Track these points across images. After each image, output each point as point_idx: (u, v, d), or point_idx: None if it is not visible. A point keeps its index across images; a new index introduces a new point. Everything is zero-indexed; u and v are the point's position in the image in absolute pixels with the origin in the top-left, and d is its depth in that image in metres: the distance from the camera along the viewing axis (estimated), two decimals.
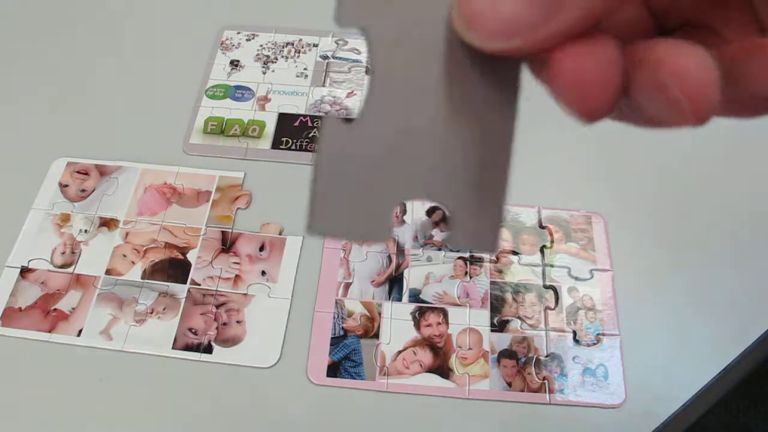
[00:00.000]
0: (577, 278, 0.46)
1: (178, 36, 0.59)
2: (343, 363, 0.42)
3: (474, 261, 0.46)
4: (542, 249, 0.47)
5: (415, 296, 0.45)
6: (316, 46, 0.58)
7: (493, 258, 0.46)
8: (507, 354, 0.43)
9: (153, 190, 0.49)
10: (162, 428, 0.40)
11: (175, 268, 0.46)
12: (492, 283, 0.45)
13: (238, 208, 0.49)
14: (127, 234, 0.47)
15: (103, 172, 0.50)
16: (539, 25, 0.12)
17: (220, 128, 0.53)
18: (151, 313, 0.44)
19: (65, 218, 0.48)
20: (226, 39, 0.59)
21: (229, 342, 0.43)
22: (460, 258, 0.46)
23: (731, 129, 0.54)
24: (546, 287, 0.45)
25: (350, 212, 0.15)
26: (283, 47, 0.58)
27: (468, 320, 0.44)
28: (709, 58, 0.13)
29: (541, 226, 0.48)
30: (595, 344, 0.43)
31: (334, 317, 0.44)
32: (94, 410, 0.41)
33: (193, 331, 0.43)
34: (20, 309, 0.44)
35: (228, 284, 0.45)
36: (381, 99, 0.15)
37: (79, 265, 0.46)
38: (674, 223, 0.48)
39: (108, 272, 0.46)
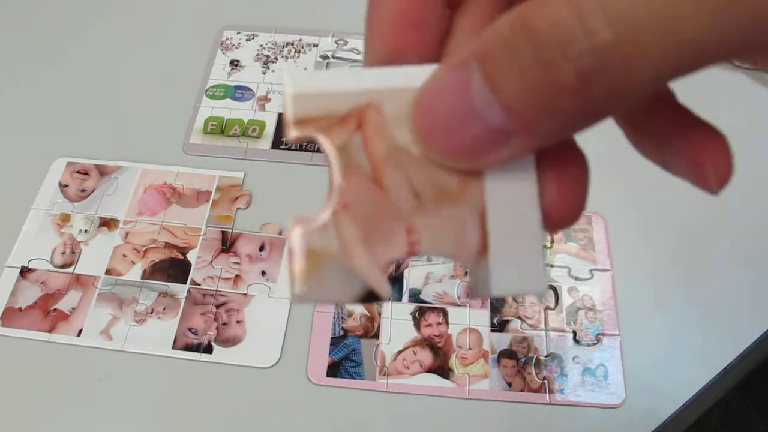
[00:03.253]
0: (577, 278, 0.46)
1: (178, 36, 0.59)
2: (343, 363, 0.42)
3: None
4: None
5: (415, 296, 0.45)
6: (316, 46, 0.58)
7: None
8: (507, 354, 0.43)
9: (153, 190, 0.49)
10: (162, 428, 0.40)
11: (175, 268, 0.46)
12: None
13: (238, 208, 0.49)
14: (127, 234, 0.47)
15: (103, 172, 0.50)
16: (486, 155, 0.13)
17: (220, 128, 0.53)
18: (151, 313, 0.44)
19: (65, 218, 0.48)
20: (226, 39, 0.59)
21: (229, 342, 0.43)
22: None
23: (732, 129, 0.54)
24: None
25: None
26: (283, 47, 0.58)
27: (468, 320, 0.44)
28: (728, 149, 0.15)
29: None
30: (595, 344, 0.43)
31: (334, 317, 0.44)
32: (94, 410, 0.41)
33: (193, 331, 0.43)
34: (20, 309, 0.44)
35: (228, 284, 0.45)
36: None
37: (79, 265, 0.46)
38: (674, 223, 0.48)
39: (108, 272, 0.46)
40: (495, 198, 0.14)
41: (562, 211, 0.14)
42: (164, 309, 0.44)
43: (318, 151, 0.52)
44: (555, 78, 0.11)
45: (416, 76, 0.14)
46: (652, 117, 0.16)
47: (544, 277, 0.14)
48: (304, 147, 0.52)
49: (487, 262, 0.14)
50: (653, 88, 0.12)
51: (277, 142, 0.52)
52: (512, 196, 0.14)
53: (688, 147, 0.15)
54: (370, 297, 0.15)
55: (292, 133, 0.15)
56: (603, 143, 0.54)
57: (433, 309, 0.44)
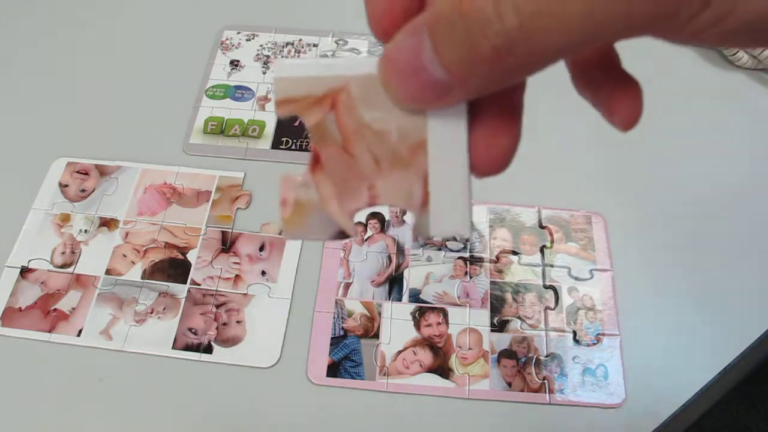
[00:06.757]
0: (577, 278, 0.46)
1: (178, 36, 0.59)
2: (343, 363, 0.42)
3: (474, 261, 0.46)
4: (542, 249, 0.47)
5: (415, 296, 0.45)
6: (316, 46, 0.58)
7: (493, 258, 0.46)
8: (507, 354, 0.43)
9: (153, 190, 0.49)
10: (162, 428, 0.40)
11: (175, 268, 0.46)
12: (492, 283, 0.45)
13: (238, 208, 0.49)
14: (127, 234, 0.47)
15: (103, 172, 0.50)
16: (432, 102, 0.17)
17: (220, 128, 0.53)
18: (151, 313, 0.44)
19: (65, 218, 0.48)
20: (226, 39, 0.59)
21: (229, 342, 0.43)
22: (460, 258, 0.46)
23: (730, 129, 0.54)
24: (546, 287, 0.45)
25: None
26: (283, 47, 0.58)
27: (468, 320, 0.44)
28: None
29: (541, 226, 0.48)
30: (595, 344, 0.43)
31: (334, 317, 0.44)
32: (94, 410, 0.41)
33: (193, 331, 0.43)
34: (20, 309, 0.44)
35: (228, 284, 0.45)
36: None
37: (79, 265, 0.46)
38: (674, 223, 0.48)
39: (108, 272, 0.46)
40: (435, 164, 0.18)
41: (487, 165, 0.18)
42: (164, 309, 0.44)
43: None
44: (478, 50, 0.15)
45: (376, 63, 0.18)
46: (592, 71, 0.19)
47: (468, 223, 0.18)
48: (304, 147, 0.52)
49: (428, 212, 0.18)
50: (555, 59, 0.15)
51: (277, 142, 0.52)
52: (448, 164, 0.18)
53: (608, 97, 0.19)
54: (341, 235, 0.19)
55: (277, 111, 0.18)
56: (604, 144, 0.54)
57: (433, 309, 0.44)
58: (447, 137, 0.18)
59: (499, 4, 0.14)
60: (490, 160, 0.18)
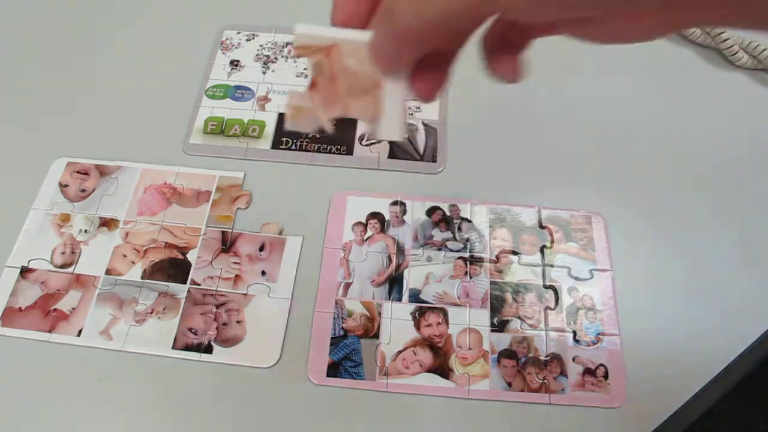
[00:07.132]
0: (577, 278, 0.46)
1: (178, 36, 0.59)
2: (343, 363, 0.42)
3: (474, 261, 0.46)
4: (542, 249, 0.47)
5: (415, 296, 0.45)
6: None
7: (493, 258, 0.46)
8: (507, 354, 0.43)
9: (153, 190, 0.49)
10: (162, 428, 0.40)
11: (175, 268, 0.46)
12: (492, 283, 0.45)
13: (238, 208, 0.49)
14: (127, 234, 0.47)
15: (103, 172, 0.50)
16: (392, 68, 0.25)
17: (220, 128, 0.53)
18: (151, 313, 0.44)
19: (65, 218, 0.48)
20: (226, 39, 0.59)
21: (229, 342, 0.43)
22: (460, 258, 0.46)
23: (730, 129, 0.54)
24: (546, 287, 0.45)
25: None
26: (283, 47, 0.58)
27: (468, 320, 0.44)
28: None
29: (541, 226, 0.48)
30: (595, 344, 0.43)
31: (334, 317, 0.44)
32: (94, 410, 0.41)
33: (193, 331, 0.43)
34: (20, 309, 0.44)
35: (228, 284, 0.45)
36: None
37: (79, 265, 0.46)
38: (674, 222, 0.48)
39: (108, 272, 0.46)
40: (387, 96, 0.26)
41: (422, 96, 0.26)
42: (164, 309, 0.44)
43: (317, 151, 0.52)
44: (387, 38, 0.23)
45: (359, 34, 0.25)
46: (500, 49, 0.26)
47: (401, 133, 0.27)
48: (304, 147, 0.52)
49: (378, 123, 0.27)
50: (443, 26, 0.21)
51: (277, 142, 0.52)
52: (394, 97, 0.26)
53: (500, 65, 0.26)
54: (321, 130, 0.28)
55: (294, 53, 0.27)
56: (604, 144, 0.54)
57: (433, 309, 0.44)
58: (394, 83, 0.26)
59: (391, 6, 0.22)
60: (423, 92, 0.26)
